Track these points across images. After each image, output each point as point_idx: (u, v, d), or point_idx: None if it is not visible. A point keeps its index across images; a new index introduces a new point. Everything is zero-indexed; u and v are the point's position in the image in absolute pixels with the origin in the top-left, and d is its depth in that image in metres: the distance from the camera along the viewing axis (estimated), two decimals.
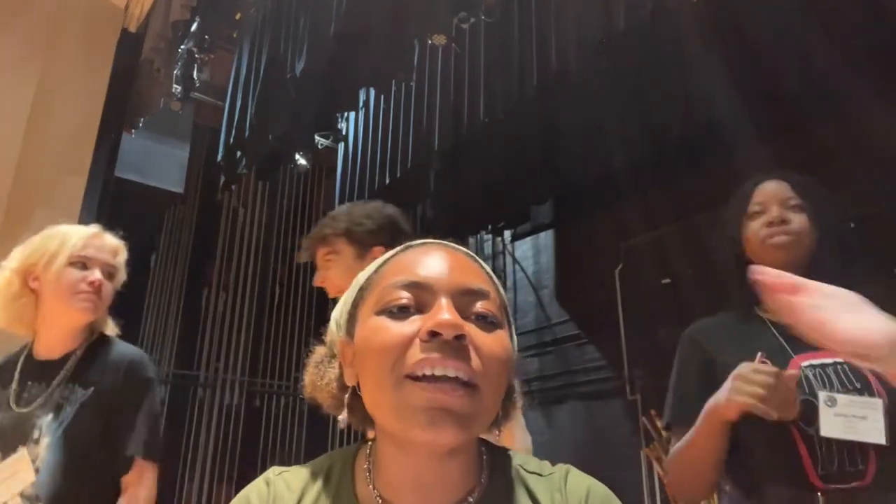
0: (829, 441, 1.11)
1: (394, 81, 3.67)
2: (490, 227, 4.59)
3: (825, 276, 1.09)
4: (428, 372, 0.57)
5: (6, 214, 2.83)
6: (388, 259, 0.68)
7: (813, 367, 1.18)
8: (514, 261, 4.74)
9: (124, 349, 1.51)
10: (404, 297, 0.61)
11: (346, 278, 1.33)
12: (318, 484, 0.67)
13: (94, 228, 1.53)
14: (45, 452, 1.36)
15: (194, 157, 4.67)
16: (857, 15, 2.51)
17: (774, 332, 1.24)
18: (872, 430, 1.08)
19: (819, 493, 1.11)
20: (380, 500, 0.63)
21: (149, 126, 3.85)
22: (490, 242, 4.97)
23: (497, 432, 0.67)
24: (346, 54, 3.03)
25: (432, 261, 0.64)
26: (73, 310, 1.43)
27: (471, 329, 0.60)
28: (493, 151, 3.76)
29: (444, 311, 0.59)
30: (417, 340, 0.59)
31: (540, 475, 0.68)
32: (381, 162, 3.88)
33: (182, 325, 4.91)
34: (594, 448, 3.88)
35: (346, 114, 4.23)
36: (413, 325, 0.60)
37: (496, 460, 0.68)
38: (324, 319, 0.76)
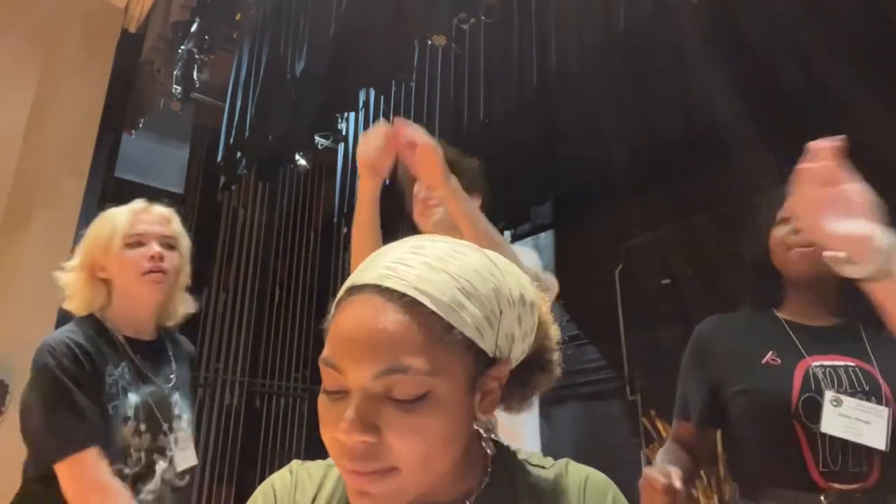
0: (833, 440, 1.12)
1: (394, 82, 3.67)
2: None
3: (841, 284, 1.10)
4: (342, 468, 0.59)
5: (6, 214, 2.83)
6: (337, 303, 0.63)
7: (823, 367, 1.18)
8: None
9: (180, 338, 1.59)
10: (329, 379, 0.60)
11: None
12: (338, 476, 0.70)
13: (140, 203, 1.50)
14: (188, 427, 1.44)
15: (194, 158, 4.67)
16: (856, 15, 2.51)
17: (790, 332, 1.25)
18: (875, 436, 1.09)
19: (821, 492, 1.11)
20: None
21: (149, 126, 3.85)
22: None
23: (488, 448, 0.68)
24: (346, 55, 3.03)
25: (351, 333, 0.59)
26: (144, 290, 1.42)
27: (385, 420, 0.57)
28: (492, 151, 3.75)
29: (347, 416, 0.57)
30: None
31: (543, 468, 0.70)
32: None
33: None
34: (594, 448, 3.88)
35: (346, 114, 4.23)
36: (338, 411, 0.58)
37: (499, 458, 0.69)
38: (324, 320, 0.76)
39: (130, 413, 1.33)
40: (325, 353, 0.60)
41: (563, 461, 0.71)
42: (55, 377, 1.26)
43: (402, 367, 0.57)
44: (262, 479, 0.74)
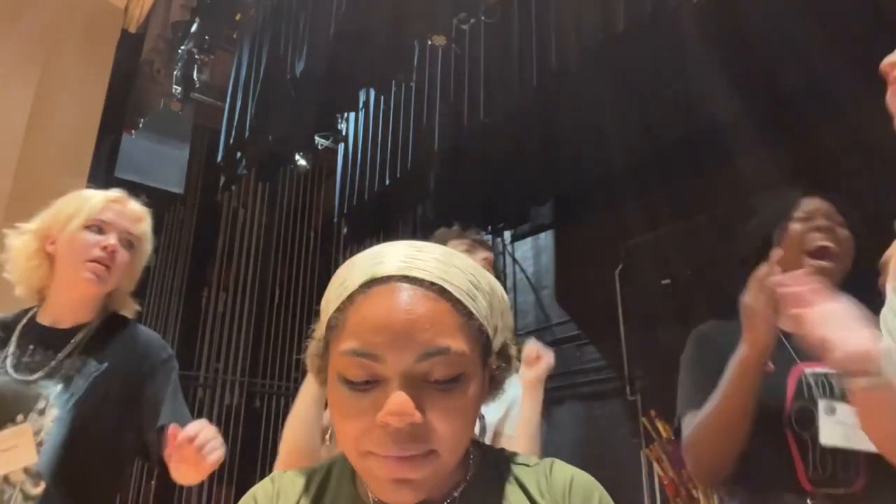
0: (823, 447, 1.12)
1: (394, 82, 3.68)
2: (490, 227, 4.59)
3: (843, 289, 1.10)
4: (386, 453, 0.59)
5: (6, 214, 2.83)
6: (350, 301, 0.63)
7: (816, 374, 1.19)
8: (514, 261, 4.74)
9: (141, 328, 1.42)
10: (357, 369, 0.60)
11: None
12: (320, 481, 0.70)
13: (118, 193, 1.41)
14: (53, 425, 1.25)
15: (194, 158, 4.67)
16: (856, 15, 2.51)
17: (782, 338, 1.24)
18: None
19: (808, 497, 1.12)
20: (375, 498, 0.66)
21: (149, 126, 3.85)
22: (490, 243, 4.97)
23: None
24: (346, 55, 3.03)
25: (386, 319, 0.60)
26: (78, 278, 1.31)
27: (428, 400, 0.59)
28: (493, 152, 3.76)
29: (394, 400, 0.58)
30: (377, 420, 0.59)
31: (527, 465, 0.71)
32: (381, 163, 3.88)
33: (182, 326, 4.91)
34: (594, 449, 3.88)
35: (345, 114, 4.23)
36: (370, 400, 0.59)
37: (485, 457, 0.71)
38: None
39: None
40: (354, 344, 0.61)
41: (548, 460, 0.71)
42: None
43: (443, 349, 0.60)
44: (262, 478, 0.74)
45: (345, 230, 4.57)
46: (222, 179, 4.13)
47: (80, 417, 1.26)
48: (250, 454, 4.76)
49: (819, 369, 1.19)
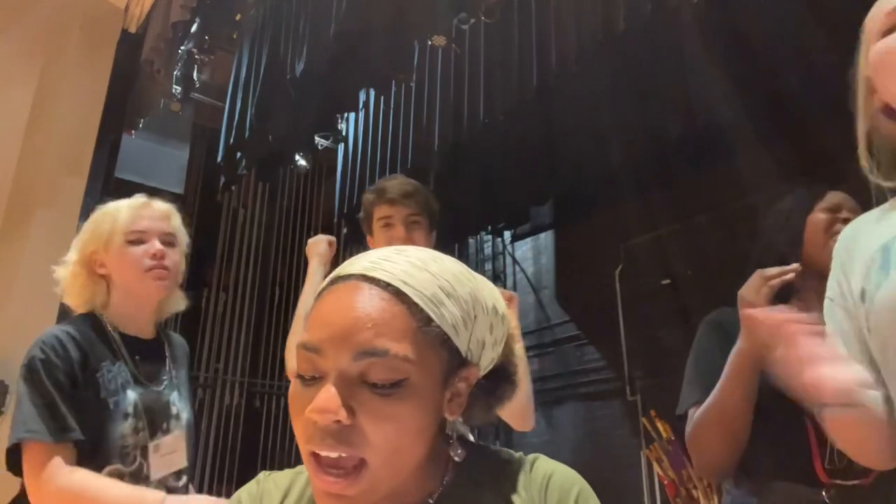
0: None
1: (394, 82, 3.67)
2: (490, 227, 4.59)
3: None
4: (316, 451, 0.58)
5: (6, 214, 2.83)
6: (320, 294, 0.65)
7: None
8: (514, 261, 4.74)
9: (173, 335, 1.56)
10: (305, 364, 0.60)
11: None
12: (303, 482, 0.71)
13: (141, 198, 1.46)
14: (187, 427, 1.41)
15: (194, 158, 4.66)
16: (856, 15, 2.51)
17: None
18: None
19: (823, 487, 1.12)
20: None
21: (149, 127, 3.85)
22: (490, 243, 4.97)
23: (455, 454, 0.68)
24: (346, 55, 3.03)
25: (334, 316, 0.60)
26: (147, 287, 1.39)
27: (360, 404, 0.57)
28: (493, 152, 3.76)
29: (321, 395, 0.57)
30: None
31: (510, 462, 0.70)
32: (380, 162, 3.88)
33: (182, 326, 4.91)
34: (594, 449, 3.88)
35: (345, 115, 4.23)
36: (312, 395, 0.59)
37: (466, 456, 0.69)
38: None
39: (130, 410, 1.31)
40: (304, 337, 0.61)
41: (532, 456, 0.70)
42: (37, 369, 1.26)
43: (381, 351, 0.58)
44: None
45: (345, 230, 4.56)
46: (222, 179, 4.12)
47: (195, 421, 1.46)
48: (250, 454, 4.76)
49: None
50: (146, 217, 1.42)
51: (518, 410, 1.41)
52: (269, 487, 0.71)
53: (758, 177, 3.01)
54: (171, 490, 1.34)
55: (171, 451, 1.36)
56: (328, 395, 0.57)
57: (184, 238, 1.49)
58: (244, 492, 0.72)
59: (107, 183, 3.15)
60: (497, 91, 3.13)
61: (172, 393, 1.41)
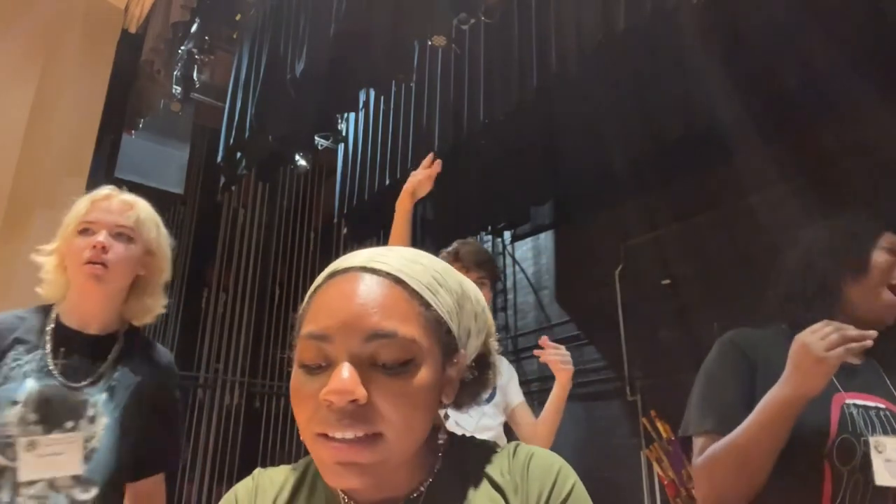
0: (856, 483, 1.08)
1: (394, 82, 3.67)
2: (490, 227, 4.59)
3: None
4: (330, 434, 0.59)
5: (6, 214, 2.83)
6: (315, 291, 0.67)
7: (857, 406, 1.14)
8: (514, 262, 4.74)
9: (159, 346, 1.45)
10: (312, 352, 0.62)
11: None
12: (297, 478, 0.73)
13: (105, 190, 1.39)
14: (104, 433, 1.28)
15: (194, 158, 4.66)
16: (857, 15, 2.51)
17: None
18: None
19: None
20: (344, 495, 0.68)
21: (149, 127, 3.85)
22: (490, 243, 4.97)
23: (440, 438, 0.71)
24: (346, 55, 3.03)
25: (340, 303, 0.63)
26: (82, 280, 1.32)
27: (374, 384, 0.60)
28: (493, 152, 3.76)
29: (338, 376, 0.59)
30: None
31: (493, 450, 0.72)
32: (381, 163, 3.88)
33: (182, 326, 4.91)
34: (594, 449, 3.88)
35: (345, 115, 4.23)
36: (320, 382, 0.60)
37: (453, 448, 0.72)
38: None
39: (21, 398, 1.23)
40: (309, 328, 0.63)
41: (513, 443, 0.73)
42: None
43: (390, 332, 0.61)
44: None
45: (345, 230, 4.56)
46: (222, 179, 4.12)
47: (126, 427, 1.30)
48: (250, 454, 4.76)
49: (860, 401, 1.15)
50: (100, 209, 1.36)
51: (545, 436, 1.62)
52: (264, 483, 0.73)
53: (758, 177, 3.01)
54: (74, 502, 1.23)
55: (54, 453, 1.23)
56: (346, 375, 0.59)
57: (151, 234, 1.40)
58: (241, 486, 0.74)
59: (107, 183, 3.14)
60: (497, 91, 3.13)
61: (99, 395, 1.30)
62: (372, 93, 4.04)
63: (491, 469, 0.69)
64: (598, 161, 3.50)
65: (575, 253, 4.31)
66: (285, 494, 0.71)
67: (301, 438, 0.63)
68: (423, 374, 0.62)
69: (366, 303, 0.62)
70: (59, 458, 1.23)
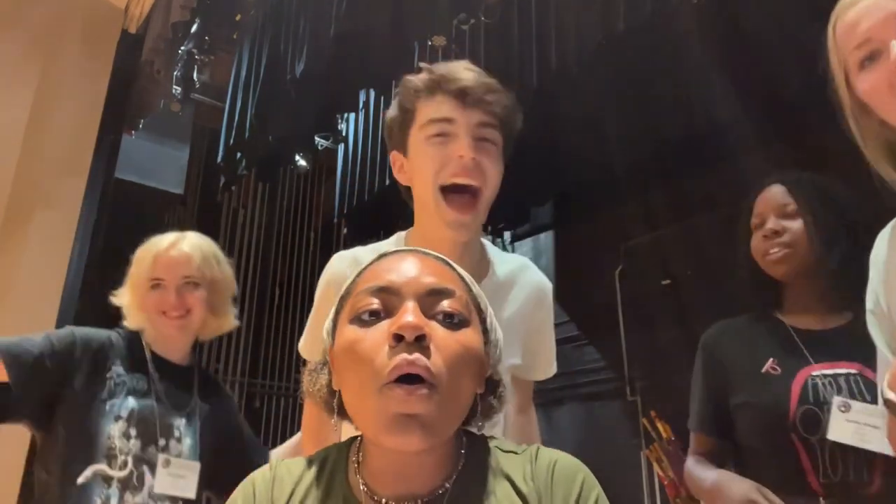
0: (832, 450, 1.11)
1: (394, 83, 3.67)
2: (490, 227, 4.58)
3: (829, 276, 1.08)
4: (398, 368, 0.61)
5: (6, 214, 2.83)
6: (364, 269, 0.71)
7: (825, 376, 1.17)
8: None
9: (211, 373, 1.69)
10: (373, 302, 0.66)
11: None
12: (315, 471, 0.73)
13: (167, 240, 1.55)
14: (188, 452, 1.45)
15: (194, 159, 4.66)
16: None
17: (795, 336, 1.23)
18: (883, 441, 1.04)
19: (821, 500, 1.11)
20: (365, 489, 0.68)
21: (148, 127, 3.85)
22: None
23: (478, 427, 0.72)
24: (346, 55, 3.03)
25: (401, 266, 0.69)
26: (166, 329, 1.50)
27: (434, 329, 0.64)
28: None
29: (407, 314, 0.63)
30: (386, 347, 0.62)
31: (515, 453, 0.73)
32: (381, 163, 3.88)
33: None
34: (594, 449, 3.87)
35: (345, 115, 4.23)
36: (380, 331, 0.64)
37: (474, 447, 0.72)
38: None
39: (124, 414, 1.38)
40: (369, 285, 0.67)
41: (533, 446, 0.73)
42: (61, 333, 1.39)
43: (450, 290, 0.68)
44: None
45: (345, 230, 4.56)
46: (222, 180, 4.12)
47: (203, 450, 1.48)
48: None
49: (828, 371, 1.18)
50: (163, 265, 1.51)
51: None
52: (281, 473, 0.73)
53: (758, 177, 3.01)
54: None
55: (180, 475, 1.40)
56: (413, 312, 0.63)
57: (212, 272, 1.56)
58: (258, 475, 0.74)
59: (107, 183, 3.14)
60: None
61: (181, 418, 1.47)
62: (372, 93, 4.04)
63: (512, 472, 0.70)
64: (598, 161, 3.50)
65: (575, 253, 4.31)
66: (303, 486, 0.71)
67: (357, 396, 0.64)
68: (473, 336, 0.67)
69: (424, 267, 0.69)
70: (182, 480, 1.40)
